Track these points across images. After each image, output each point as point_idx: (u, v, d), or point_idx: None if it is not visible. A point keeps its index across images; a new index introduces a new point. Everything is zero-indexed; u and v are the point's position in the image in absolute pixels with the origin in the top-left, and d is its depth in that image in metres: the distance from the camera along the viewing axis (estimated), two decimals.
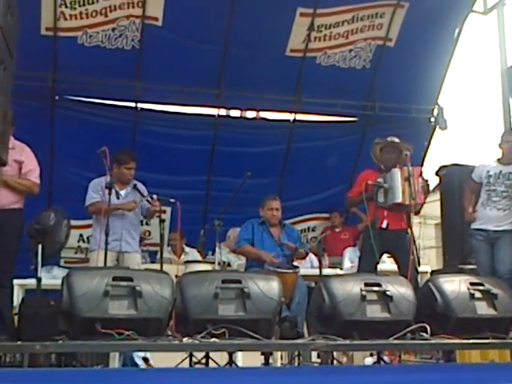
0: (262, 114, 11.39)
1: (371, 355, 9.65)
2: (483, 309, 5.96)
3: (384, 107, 10.82)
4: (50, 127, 9.89)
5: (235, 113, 11.27)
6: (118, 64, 9.66)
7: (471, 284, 6.05)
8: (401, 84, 10.57)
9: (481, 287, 6.05)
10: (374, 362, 7.31)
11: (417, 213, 7.69)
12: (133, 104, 10.41)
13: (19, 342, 5.04)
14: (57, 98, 9.95)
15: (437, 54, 10.74)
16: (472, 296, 5.96)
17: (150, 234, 10.42)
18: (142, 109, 10.50)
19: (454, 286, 6.02)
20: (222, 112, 10.99)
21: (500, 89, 9.20)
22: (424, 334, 5.70)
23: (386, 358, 8.68)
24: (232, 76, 10.15)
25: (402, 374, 5.25)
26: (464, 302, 5.93)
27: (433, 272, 8.87)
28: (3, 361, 6.21)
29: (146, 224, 9.93)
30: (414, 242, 7.41)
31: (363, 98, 10.93)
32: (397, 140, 7.67)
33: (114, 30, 9.58)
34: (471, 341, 5.75)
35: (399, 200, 7.30)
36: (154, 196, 7.67)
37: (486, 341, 5.81)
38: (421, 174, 7.55)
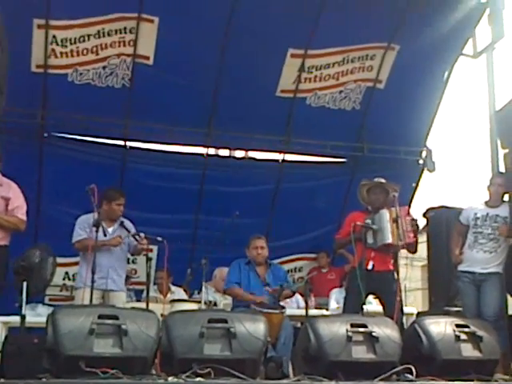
0: (251, 154, 11.46)
1: None
2: (468, 351, 5.98)
3: (373, 148, 10.90)
4: (38, 164, 9.92)
5: (224, 152, 11.33)
6: (108, 102, 9.73)
7: (457, 326, 6.07)
8: (390, 126, 10.65)
9: (466, 329, 6.07)
10: None
11: (413, 251, 7.72)
12: (122, 142, 10.47)
13: (2, 380, 5.03)
14: (46, 135, 9.99)
15: (426, 97, 10.85)
16: (457, 338, 5.97)
17: (136, 273, 10.39)
18: (131, 147, 10.56)
19: (440, 327, 6.04)
20: (211, 151, 11.07)
21: (488, 131, 9.29)
22: (409, 376, 5.70)
23: None
24: (222, 115, 10.24)
25: None
26: (449, 344, 5.94)
27: (419, 313, 8.90)
28: None
29: (133, 262, 9.94)
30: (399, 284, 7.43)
31: (352, 139, 11.02)
32: (383, 180, 7.75)
33: (104, 68, 9.66)
34: (456, 383, 5.74)
35: (389, 241, 7.33)
36: (142, 234, 7.72)
37: (471, 383, 5.79)
38: (408, 213, 7.61)
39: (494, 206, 7.75)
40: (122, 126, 10.12)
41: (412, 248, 7.57)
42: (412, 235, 7.37)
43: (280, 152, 11.15)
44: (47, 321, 5.29)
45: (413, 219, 7.46)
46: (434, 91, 10.91)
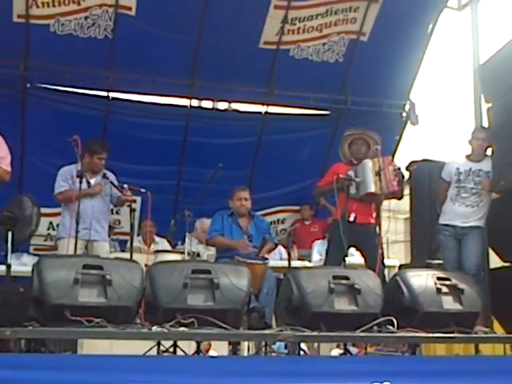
0: (234, 106, 11.43)
1: (338, 347, 9.77)
2: (449, 303, 6.05)
3: (356, 101, 10.89)
4: (21, 115, 9.86)
5: (207, 104, 11.30)
6: (91, 53, 9.63)
7: (438, 279, 6.13)
8: (373, 78, 10.64)
9: (447, 282, 6.13)
10: (341, 354, 7.41)
11: (400, 197, 7.79)
12: (105, 93, 10.41)
13: None
14: (28, 85, 9.91)
15: (410, 50, 10.81)
16: (439, 291, 6.04)
17: (119, 223, 10.42)
18: (113, 98, 10.50)
19: (422, 280, 6.10)
20: (195, 103, 11.02)
21: (472, 85, 9.29)
22: (390, 327, 5.81)
23: (353, 350, 8.82)
24: (205, 67, 10.17)
25: (367, 365, 5.35)
26: (431, 297, 6.01)
27: (400, 266, 8.99)
28: None
29: (116, 213, 9.98)
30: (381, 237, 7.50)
31: (336, 91, 10.99)
32: (362, 130, 7.83)
33: (86, 18, 9.52)
34: (436, 334, 5.86)
35: (372, 190, 7.37)
36: (125, 185, 7.74)
37: (452, 335, 5.90)
38: (391, 162, 7.65)
39: (476, 161, 7.77)
40: (104, 77, 10.05)
41: (398, 194, 7.64)
42: (396, 184, 7.41)
43: (263, 104, 11.13)
44: (33, 270, 5.33)
45: (396, 168, 7.50)
46: (417, 44, 10.86)
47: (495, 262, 8.16)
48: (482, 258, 7.77)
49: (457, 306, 6.07)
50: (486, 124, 8.27)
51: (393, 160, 7.82)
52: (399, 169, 7.59)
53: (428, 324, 5.91)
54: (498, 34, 10.37)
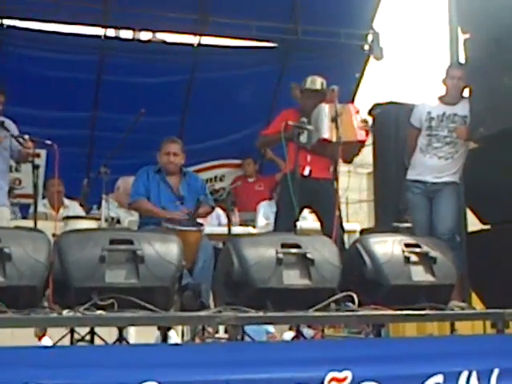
0: (160, 36, 11.38)
1: (290, 329, 9.89)
2: (420, 275, 6.12)
3: (308, 31, 10.91)
4: None
5: (126, 34, 11.25)
6: None
7: (406, 245, 6.20)
8: (329, 3, 10.67)
9: (417, 249, 6.21)
10: (293, 337, 7.51)
11: (349, 161, 7.86)
12: None
13: None
14: None
15: None
16: (407, 260, 6.10)
17: (20, 183, 10.30)
18: (8, 26, 10.37)
19: (387, 247, 6.17)
20: (110, 32, 10.97)
21: (447, 13, 9.34)
22: (351, 304, 5.85)
23: (308, 332, 8.94)
24: None
25: (323, 351, 5.43)
26: (398, 267, 6.08)
27: (362, 231, 9.11)
28: None
29: (16, 170, 9.87)
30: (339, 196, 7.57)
31: (283, 19, 10.99)
32: (318, 85, 7.83)
33: None
34: (405, 312, 5.91)
35: (325, 136, 7.39)
36: (26, 136, 7.62)
37: (423, 312, 5.97)
38: (358, 112, 7.70)
39: (451, 103, 7.82)
40: None
41: (355, 151, 7.70)
42: (364, 133, 7.48)
43: (195, 34, 11.12)
44: None
45: (363, 119, 7.58)
46: None
47: (473, 224, 8.27)
48: (458, 220, 7.87)
49: (428, 278, 6.14)
50: (462, 60, 8.33)
51: (359, 110, 7.82)
52: (366, 120, 7.66)
53: (395, 300, 5.97)
54: None
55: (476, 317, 6.90)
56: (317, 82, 7.84)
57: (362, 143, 7.61)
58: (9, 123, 7.75)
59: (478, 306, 7.62)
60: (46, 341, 7.92)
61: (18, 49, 10.31)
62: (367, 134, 7.57)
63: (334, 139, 7.36)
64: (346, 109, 7.52)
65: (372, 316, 6.00)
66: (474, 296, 7.89)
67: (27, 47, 10.34)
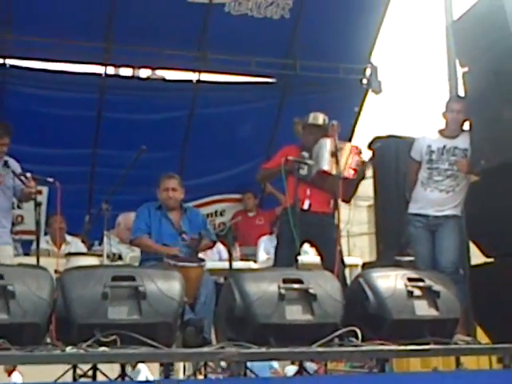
0: (159, 73, 11.41)
1: (293, 363, 9.84)
2: (423, 309, 6.11)
3: (307, 66, 10.93)
4: None
5: (126, 71, 11.27)
6: None
7: (409, 280, 6.19)
8: (327, 38, 10.68)
9: (420, 283, 6.20)
10: (296, 372, 7.46)
11: (348, 201, 7.84)
12: (1, 60, 10.28)
13: None
14: None
15: (370, 3, 10.89)
16: (410, 294, 6.09)
17: (22, 220, 10.28)
18: (11, 65, 10.41)
19: (390, 282, 6.15)
20: (110, 70, 10.99)
21: (445, 46, 9.37)
22: (354, 340, 5.84)
23: (310, 366, 8.88)
24: (122, 26, 10.14)
25: None
26: (401, 302, 6.07)
27: (364, 265, 9.08)
28: None
29: (18, 207, 9.86)
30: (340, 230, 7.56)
31: (282, 54, 11.03)
32: (320, 120, 7.84)
33: None
34: (409, 347, 5.87)
35: (325, 168, 7.43)
36: (28, 174, 7.65)
37: (427, 346, 5.94)
38: (359, 153, 7.72)
39: (451, 137, 7.81)
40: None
41: (351, 187, 7.69)
42: (353, 172, 7.49)
43: (194, 71, 11.14)
44: None
45: (362, 161, 7.59)
46: None
47: (476, 257, 8.24)
48: (461, 254, 7.84)
49: (432, 312, 6.14)
50: (462, 93, 8.35)
51: (361, 151, 7.84)
52: (364, 162, 7.67)
53: (398, 334, 5.95)
54: None
55: (481, 351, 6.84)
56: (319, 118, 7.86)
57: (345, 180, 7.59)
58: (12, 162, 7.78)
59: (484, 339, 7.55)
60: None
61: (20, 87, 10.33)
62: (356, 174, 7.56)
63: (334, 171, 7.38)
64: (345, 146, 7.54)
65: (375, 351, 5.95)
66: (479, 330, 7.83)
67: (29, 86, 10.37)
